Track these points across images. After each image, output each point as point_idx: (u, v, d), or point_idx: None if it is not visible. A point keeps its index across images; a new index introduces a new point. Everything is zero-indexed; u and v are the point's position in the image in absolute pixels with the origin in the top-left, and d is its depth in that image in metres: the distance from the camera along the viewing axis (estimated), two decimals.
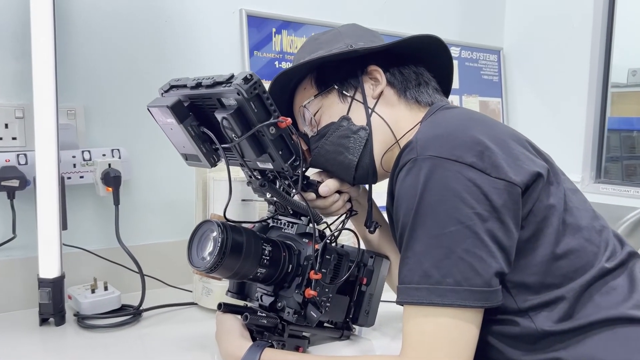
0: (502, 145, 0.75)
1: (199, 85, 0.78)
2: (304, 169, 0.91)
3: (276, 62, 1.45)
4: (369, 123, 0.91)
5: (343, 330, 1.01)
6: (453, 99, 1.84)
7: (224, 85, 0.73)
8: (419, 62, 0.97)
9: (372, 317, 1.05)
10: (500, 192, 0.70)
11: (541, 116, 1.93)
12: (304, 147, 0.97)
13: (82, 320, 1.06)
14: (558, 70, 1.86)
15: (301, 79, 0.98)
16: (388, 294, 1.06)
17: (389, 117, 0.92)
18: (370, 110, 0.92)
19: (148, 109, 0.82)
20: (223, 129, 0.76)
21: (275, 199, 0.89)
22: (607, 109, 1.80)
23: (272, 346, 0.84)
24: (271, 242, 0.89)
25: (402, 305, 0.74)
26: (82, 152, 1.18)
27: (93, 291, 1.11)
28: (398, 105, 0.93)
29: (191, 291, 1.23)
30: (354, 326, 1.03)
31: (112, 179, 1.14)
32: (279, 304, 0.91)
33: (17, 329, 1.05)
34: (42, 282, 1.04)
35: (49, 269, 1.05)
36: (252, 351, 0.80)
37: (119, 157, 1.22)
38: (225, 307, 0.90)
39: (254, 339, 0.88)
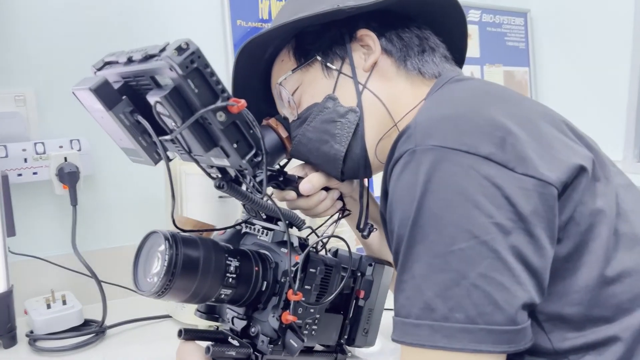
0: (531, 128, 0.56)
1: (130, 60, 0.59)
2: (276, 166, 0.73)
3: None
4: (359, 103, 0.72)
5: (337, 354, 0.83)
6: (473, 70, 1.63)
7: (156, 57, 0.55)
8: (424, 24, 0.77)
9: (372, 336, 0.87)
10: (528, 194, 0.51)
11: (575, 87, 1.71)
12: (284, 135, 0.79)
13: (35, 341, 0.91)
14: (595, 35, 1.64)
15: (278, 49, 0.79)
16: (390, 301, 0.88)
17: (385, 95, 0.73)
18: (361, 87, 0.73)
19: (74, 94, 0.64)
20: (158, 116, 0.58)
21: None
22: None
23: None
24: (239, 255, 0.71)
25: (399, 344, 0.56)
26: (35, 144, 1.01)
27: (49, 306, 0.96)
28: (396, 79, 0.74)
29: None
30: (349, 348, 0.86)
31: (67, 175, 0.97)
32: (253, 330, 0.74)
33: None
34: None
35: None
36: None
37: (79, 149, 1.05)
38: (186, 334, 0.73)
39: None
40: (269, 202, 0.70)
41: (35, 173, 1.01)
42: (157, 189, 1.08)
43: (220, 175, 0.68)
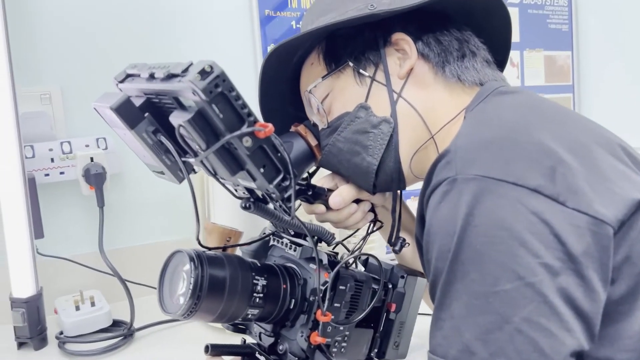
0: (584, 155, 0.51)
1: (152, 76, 0.56)
2: (299, 187, 0.70)
3: (293, 23, 1.21)
4: (393, 113, 0.68)
5: None
6: (512, 55, 1.54)
7: (179, 78, 0.52)
8: (463, 24, 0.72)
9: (403, 348, 0.84)
10: (580, 233, 0.47)
11: (622, 74, 1.61)
12: (313, 143, 0.75)
13: (65, 344, 0.92)
14: None
15: (308, 50, 0.75)
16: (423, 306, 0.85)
17: (421, 104, 0.68)
18: (395, 96, 0.68)
19: (95, 110, 0.62)
20: (181, 138, 0.55)
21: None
22: None
23: None
24: (266, 273, 0.69)
25: None
26: (61, 143, 1.00)
27: (78, 308, 0.96)
28: (434, 86, 0.69)
29: None
30: None
31: (93, 177, 0.96)
32: (280, 347, 0.72)
33: None
34: (15, 302, 0.90)
35: (22, 287, 0.90)
36: None
37: (105, 148, 1.03)
38: (213, 350, 0.72)
39: None
40: (297, 221, 0.66)
41: (62, 173, 1.00)
42: (184, 187, 1.05)
43: (246, 193, 0.65)
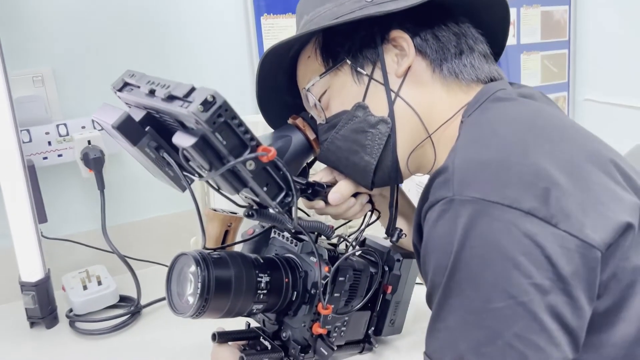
0: (577, 176, 0.52)
1: (152, 93, 0.56)
2: (303, 184, 0.71)
3: None
4: (391, 113, 0.68)
5: (364, 344, 0.86)
6: None
7: (181, 103, 0.52)
8: (462, 16, 0.71)
9: (398, 325, 0.90)
10: (570, 255, 0.50)
11: (617, 30, 1.59)
12: (312, 137, 0.76)
13: (75, 323, 0.96)
14: None
15: (304, 42, 0.74)
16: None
17: (419, 103, 0.69)
18: (393, 95, 0.68)
19: (95, 121, 0.62)
20: (184, 159, 0.56)
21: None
22: None
23: None
24: (269, 269, 0.72)
25: None
26: (57, 126, 1.00)
27: (85, 287, 0.99)
28: (431, 85, 0.69)
29: None
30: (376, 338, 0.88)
31: (92, 161, 0.97)
32: (284, 335, 0.76)
33: (5, 332, 0.97)
34: (25, 286, 0.93)
35: (31, 272, 0.93)
36: None
37: (101, 129, 1.03)
38: (220, 338, 0.76)
39: None
40: (299, 226, 0.69)
41: (60, 155, 1.01)
42: None
43: (248, 198, 0.67)
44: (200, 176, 0.58)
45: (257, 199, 0.61)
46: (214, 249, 0.70)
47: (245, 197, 0.66)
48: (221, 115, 0.50)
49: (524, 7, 1.55)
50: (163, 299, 1.03)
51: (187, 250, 0.68)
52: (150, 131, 0.60)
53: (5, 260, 1.00)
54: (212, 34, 1.16)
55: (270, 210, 0.67)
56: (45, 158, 1.00)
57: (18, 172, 0.87)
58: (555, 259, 0.50)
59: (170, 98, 0.54)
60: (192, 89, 0.52)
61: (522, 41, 1.58)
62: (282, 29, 1.21)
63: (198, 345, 0.90)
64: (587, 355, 0.54)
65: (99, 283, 1.00)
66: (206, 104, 0.50)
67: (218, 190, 0.61)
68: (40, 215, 0.95)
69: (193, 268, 0.66)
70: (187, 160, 0.56)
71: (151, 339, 0.94)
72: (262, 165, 0.55)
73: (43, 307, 0.94)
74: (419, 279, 0.90)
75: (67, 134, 1.00)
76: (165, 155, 0.59)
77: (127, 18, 1.06)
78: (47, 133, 0.99)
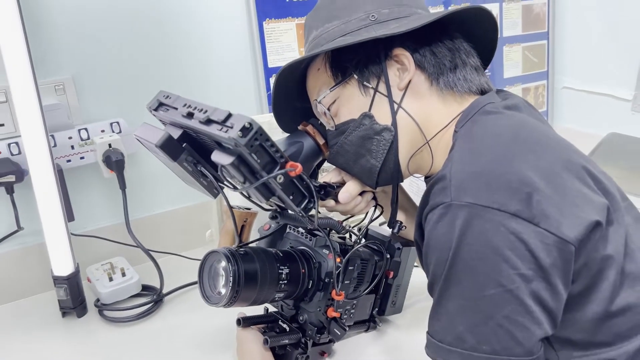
0: (555, 182, 0.62)
1: (190, 115, 0.65)
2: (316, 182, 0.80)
3: None
4: (394, 122, 0.77)
5: (369, 323, 0.97)
6: (492, 7, 1.60)
7: (220, 127, 0.61)
8: (455, 31, 0.80)
9: (399, 305, 1.00)
10: (549, 249, 0.60)
11: (593, 21, 1.68)
12: (321, 142, 0.85)
13: (104, 311, 1.05)
14: None
15: (314, 56, 0.82)
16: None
17: (418, 113, 0.77)
18: (396, 106, 0.77)
19: (136, 139, 0.70)
20: (222, 174, 0.64)
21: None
22: None
23: None
24: (288, 262, 0.81)
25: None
26: (79, 130, 1.07)
27: (111, 279, 1.08)
28: (429, 96, 0.78)
29: None
30: (380, 318, 0.98)
31: (114, 163, 1.05)
32: (301, 318, 0.86)
33: (39, 321, 1.05)
34: (57, 280, 1.01)
35: (62, 266, 1.01)
36: None
37: (119, 131, 1.11)
38: (244, 322, 0.86)
39: (276, 355, 0.85)
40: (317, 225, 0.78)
41: (82, 158, 1.08)
42: None
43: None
44: (235, 188, 0.67)
45: (282, 204, 0.70)
46: (239, 246, 0.79)
47: (267, 203, 0.76)
48: (257, 139, 0.59)
49: (506, 1, 1.63)
50: (183, 287, 1.12)
51: (217, 248, 0.77)
52: (187, 147, 0.68)
53: (37, 255, 1.09)
54: (219, 39, 1.23)
55: (290, 212, 0.76)
56: (68, 161, 1.07)
57: (49, 175, 0.95)
58: (536, 252, 0.59)
59: (209, 122, 0.62)
60: (229, 115, 0.61)
61: (504, 34, 1.67)
62: (282, 32, 1.28)
63: (219, 330, 1.00)
64: (564, 331, 0.64)
65: (123, 274, 1.09)
66: (244, 130, 0.58)
67: (248, 198, 0.70)
68: (69, 214, 1.03)
69: (224, 264, 0.76)
70: (223, 174, 0.64)
71: (174, 324, 1.03)
72: (289, 178, 0.64)
73: (74, 298, 1.03)
74: (416, 263, 1.00)
75: (88, 138, 1.08)
76: (203, 169, 0.68)
77: (139, 28, 1.13)
78: (69, 138, 1.06)
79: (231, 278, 0.74)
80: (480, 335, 0.61)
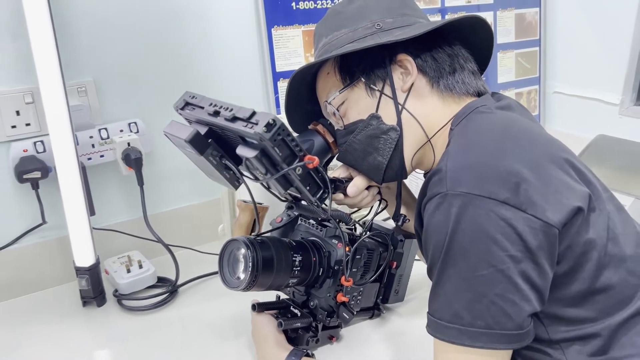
0: (540, 173, 0.69)
1: (216, 113, 0.72)
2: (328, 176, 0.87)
3: (293, 3, 1.32)
4: (399, 122, 0.84)
5: (373, 310, 1.04)
6: (487, 16, 1.68)
7: (245, 124, 0.67)
8: (454, 39, 0.87)
9: (401, 294, 1.07)
10: (535, 233, 0.66)
11: (582, 29, 1.76)
12: (330, 140, 0.92)
13: (122, 301, 1.11)
14: None
15: (324, 61, 0.89)
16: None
17: (421, 113, 0.84)
18: (400, 107, 0.84)
19: (165, 135, 0.77)
20: (246, 166, 0.71)
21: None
22: None
23: (307, 355, 0.87)
24: (300, 250, 0.88)
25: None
26: (99, 130, 1.14)
27: (129, 270, 1.14)
28: (430, 97, 0.85)
29: (218, 254, 1.26)
30: (383, 306, 1.05)
31: (133, 161, 1.11)
32: (312, 303, 0.93)
33: (61, 310, 1.11)
34: (79, 271, 1.07)
35: (84, 258, 1.07)
36: None
37: (137, 131, 1.17)
38: (259, 307, 0.93)
39: (289, 338, 0.91)
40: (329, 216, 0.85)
41: (102, 156, 1.15)
42: None
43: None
44: (256, 179, 0.74)
45: (297, 195, 0.76)
46: (257, 235, 0.86)
47: (284, 193, 0.82)
48: (280, 134, 0.66)
49: (499, 10, 1.72)
50: (196, 278, 1.19)
51: (236, 237, 0.83)
52: (212, 142, 0.75)
53: (59, 248, 1.15)
54: (230, 44, 1.30)
55: (304, 202, 0.83)
56: (89, 159, 1.13)
57: (74, 172, 1.01)
58: (524, 236, 0.66)
59: (234, 119, 0.69)
60: (254, 113, 0.68)
61: (498, 41, 1.75)
62: (289, 38, 1.36)
63: (232, 318, 1.06)
64: (551, 307, 0.71)
65: (140, 266, 1.15)
66: (269, 126, 0.65)
67: (268, 189, 0.77)
68: (91, 209, 1.09)
69: (243, 251, 0.82)
70: (247, 166, 0.71)
71: (189, 313, 1.09)
72: (307, 170, 0.71)
73: (94, 288, 1.09)
74: (417, 256, 1.07)
75: (108, 137, 1.14)
76: (228, 163, 0.75)
77: (155, 34, 1.20)
78: (90, 137, 1.12)
79: (250, 264, 0.80)
80: (475, 312, 0.68)
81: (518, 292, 0.67)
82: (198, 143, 0.73)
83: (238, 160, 0.77)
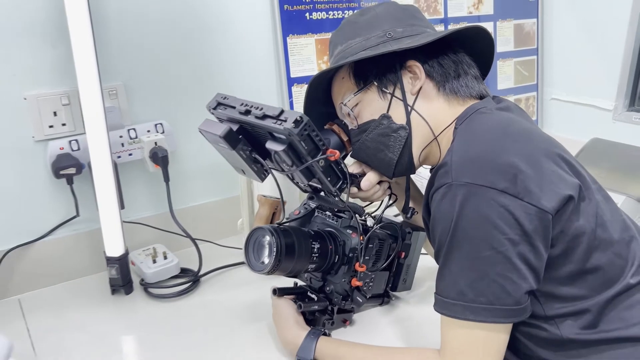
0: (535, 165, 0.76)
1: (247, 112, 0.80)
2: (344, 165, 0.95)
3: (307, 14, 1.42)
4: (408, 122, 0.92)
5: (383, 297, 1.12)
6: (487, 26, 1.78)
7: (274, 121, 0.76)
8: (458, 47, 0.96)
9: (409, 282, 1.15)
10: (531, 218, 0.74)
11: (578, 39, 1.85)
12: (345, 138, 1.01)
13: (148, 289, 1.19)
14: None
15: (340, 66, 0.98)
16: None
17: (428, 113, 0.93)
18: (409, 108, 0.93)
19: (200, 132, 0.86)
20: (274, 158, 0.80)
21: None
22: None
23: (324, 334, 0.95)
24: (318, 238, 0.96)
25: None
26: (128, 130, 1.23)
27: (154, 261, 1.22)
28: (437, 99, 0.93)
29: (237, 248, 1.35)
30: (392, 294, 1.13)
31: (160, 159, 1.20)
32: (328, 288, 1.01)
33: (91, 298, 1.18)
34: (110, 260, 1.16)
35: (114, 248, 1.15)
36: (309, 340, 0.91)
37: (162, 132, 1.26)
38: (280, 292, 1.01)
39: (307, 320, 0.99)
40: (346, 206, 0.93)
41: (130, 154, 1.23)
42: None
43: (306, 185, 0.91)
44: (282, 170, 0.82)
45: (318, 186, 0.85)
46: (280, 224, 0.94)
47: (304, 185, 0.91)
48: (306, 129, 0.75)
49: (499, 20, 1.81)
50: (218, 269, 1.27)
51: (262, 225, 0.92)
52: (243, 140, 0.84)
53: (89, 240, 1.23)
54: (249, 52, 1.39)
55: (322, 194, 0.92)
56: (119, 157, 1.22)
57: (107, 169, 1.10)
58: (521, 221, 0.73)
59: (264, 117, 0.78)
60: (282, 111, 0.76)
61: (498, 50, 1.84)
62: (303, 46, 1.45)
63: (251, 304, 1.13)
64: (547, 286, 0.78)
65: (165, 257, 1.23)
66: (297, 122, 0.74)
67: (292, 180, 0.85)
68: (121, 202, 1.18)
69: (268, 238, 0.90)
70: (275, 159, 0.80)
71: (211, 300, 1.17)
72: (329, 163, 0.79)
73: (123, 277, 1.17)
74: (424, 250, 1.15)
75: (136, 137, 1.23)
76: (257, 156, 0.83)
77: (179, 43, 1.28)
78: (120, 136, 1.21)
79: (274, 249, 0.88)
80: (478, 290, 0.75)
81: (516, 271, 0.75)
82: (231, 139, 0.82)
83: (264, 155, 0.85)
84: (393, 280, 1.11)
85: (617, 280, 0.79)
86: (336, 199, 0.87)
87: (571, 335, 0.79)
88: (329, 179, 0.81)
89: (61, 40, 1.13)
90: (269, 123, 0.77)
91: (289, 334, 0.95)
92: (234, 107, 0.83)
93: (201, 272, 1.24)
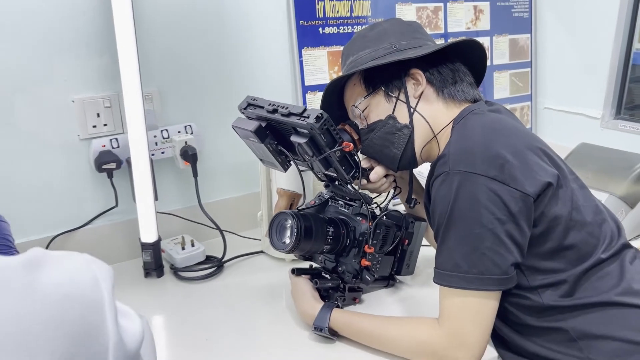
0: (520, 157, 0.89)
1: (275, 111, 0.95)
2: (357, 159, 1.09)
3: (320, 29, 1.57)
4: (411, 122, 1.06)
5: (389, 280, 1.25)
6: (484, 41, 1.93)
7: (298, 117, 0.90)
8: (455, 57, 1.10)
9: (412, 268, 1.28)
10: (516, 201, 0.87)
11: (568, 53, 1.98)
12: (356, 137, 1.15)
13: (178, 272, 1.33)
14: (587, 9, 1.89)
15: (351, 74, 1.13)
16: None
17: (428, 114, 1.06)
18: (412, 110, 1.07)
19: (233, 128, 1.00)
20: (297, 150, 0.94)
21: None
22: (632, 44, 1.86)
23: (337, 306, 1.08)
24: (333, 223, 1.10)
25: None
26: (161, 131, 1.37)
27: (183, 248, 1.36)
28: (436, 103, 1.07)
29: (256, 239, 1.48)
30: (397, 277, 1.27)
31: (190, 156, 1.34)
32: (340, 268, 1.14)
33: (127, 281, 1.31)
34: (144, 246, 1.29)
35: (149, 235, 1.29)
36: (324, 311, 1.05)
37: (192, 133, 1.41)
38: (298, 272, 1.15)
39: (321, 296, 1.13)
40: (359, 194, 1.07)
41: (163, 152, 1.38)
42: (248, 155, 1.43)
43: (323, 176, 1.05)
44: (303, 160, 0.96)
45: (333, 175, 0.99)
46: (300, 209, 1.08)
47: (321, 174, 1.05)
48: (325, 124, 0.89)
49: (495, 35, 1.95)
50: (240, 256, 1.40)
51: (284, 210, 1.06)
52: (270, 135, 0.98)
53: (124, 229, 1.37)
54: (268, 62, 1.54)
55: (336, 183, 1.06)
56: (153, 154, 1.36)
57: (145, 164, 1.24)
58: (508, 203, 0.87)
59: (290, 114, 0.92)
60: (305, 109, 0.91)
61: (494, 62, 1.98)
62: (316, 57, 1.60)
63: (270, 286, 1.27)
64: (530, 261, 0.91)
65: (192, 245, 1.37)
66: (318, 118, 0.88)
67: (311, 169, 0.99)
68: (155, 194, 1.32)
69: (290, 221, 1.04)
70: (298, 150, 0.94)
71: (234, 283, 1.30)
72: (344, 154, 0.93)
73: (156, 261, 1.31)
74: (425, 242, 1.28)
75: (168, 137, 1.38)
76: (282, 148, 0.98)
77: (207, 54, 1.43)
78: (154, 136, 1.36)
79: (295, 231, 1.02)
80: (471, 262, 0.88)
81: (503, 245, 0.88)
82: (260, 133, 0.96)
83: (287, 149, 1.00)
84: (397, 265, 1.24)
85: (590, 256, 0.92)
86: (348, 186, 1.00)
87: (551, 302, 0.92)
88: (343, 167, 0.95)
89: (106, 50, 1.28)
90: (293, 119, 0.91)
91: (307, 306, 1.08)
92: (262, 107, 0.97)
93: (225, 259, 1.38)
